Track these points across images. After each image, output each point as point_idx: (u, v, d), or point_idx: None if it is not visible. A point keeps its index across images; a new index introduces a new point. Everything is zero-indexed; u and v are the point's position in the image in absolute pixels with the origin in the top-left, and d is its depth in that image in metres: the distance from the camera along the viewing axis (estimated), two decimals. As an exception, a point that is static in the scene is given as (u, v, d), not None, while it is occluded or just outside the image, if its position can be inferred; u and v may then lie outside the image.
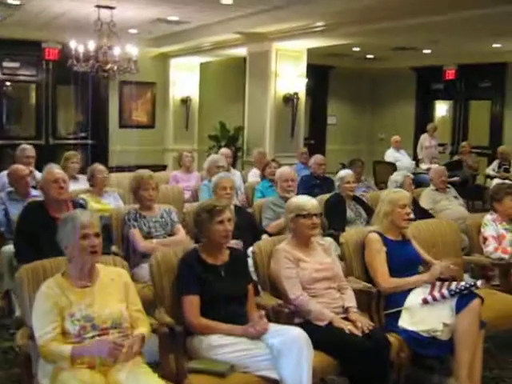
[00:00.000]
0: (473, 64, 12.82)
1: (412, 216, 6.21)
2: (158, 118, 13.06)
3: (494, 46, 11.06)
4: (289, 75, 10.00)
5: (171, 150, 12.48)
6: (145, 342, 3.08)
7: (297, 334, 3.21)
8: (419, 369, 4.21)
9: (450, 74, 13.54)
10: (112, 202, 6.19)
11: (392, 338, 3.75)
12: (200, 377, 3.18)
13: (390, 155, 11.77)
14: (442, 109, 14.96)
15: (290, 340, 3.16)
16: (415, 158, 12.71)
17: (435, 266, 4.15)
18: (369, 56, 13.84)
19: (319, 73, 14.51)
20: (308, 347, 3.18)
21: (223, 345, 3.27)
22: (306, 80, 10.24)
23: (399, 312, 3.91)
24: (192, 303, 3.38)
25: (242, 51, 10.66)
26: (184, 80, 12.88)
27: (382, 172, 10.45)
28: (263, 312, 3.39)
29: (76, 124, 12.53)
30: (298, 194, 6.90)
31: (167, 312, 3.49)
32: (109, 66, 8.89)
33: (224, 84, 13.00)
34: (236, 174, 8.20)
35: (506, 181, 10.57)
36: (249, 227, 5.20)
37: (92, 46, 8.59)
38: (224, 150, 8.32)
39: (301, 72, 10.16)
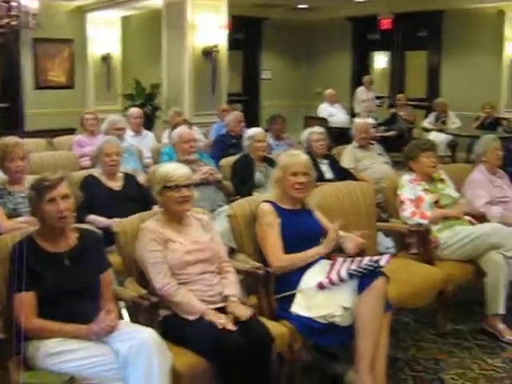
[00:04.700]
0: (409, 12, 12.20)
1: (331, 176, 5.76)
2: (77, 77, 12.11)
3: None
4: (208, 27, 9.20)
5: (93, 112, 11.60)
6: None
7: (146, 337, 2.59)
8: (321, 356, 3.68)
9: (386, 23, 12.88)
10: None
11: (283, 326, 3.19)
12: (32, 394, 2.57)
13: (323, 110, 11.23)
14: (380, 60, 14.40)
15: (138, 345, 2.55)
16: (352, 112, 12.20)
17: (330, 232, 3.55)
18: (301, 6, 13.10)
19: (251, 25, 13.75)
20: (160, 353, 2.58)
21: (62, 352, 2.65)
22: (227, 31, 9.48)
23: (293, 295, 3.33)
24: (23, 302, 2.72)
25: (159, 2, 9.81)
26: (103, 36, 11.93)
27: (314, 128, 9.91)
28: (111, 306, 2.77)
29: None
30: (212, 155, 6.37)
31: (2, 313, 2.85)
32: (5, 21, 7.99)
33: (147, 39, 12.08)
34: (148, 136, 7.55)
35: (442, 133, 10.27)
36: (139, 199, 4.56)
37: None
38: (133, 110, 7.54)
39: (221, 23, 9.36)
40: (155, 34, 10.51)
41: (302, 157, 3.68)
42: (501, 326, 4.13)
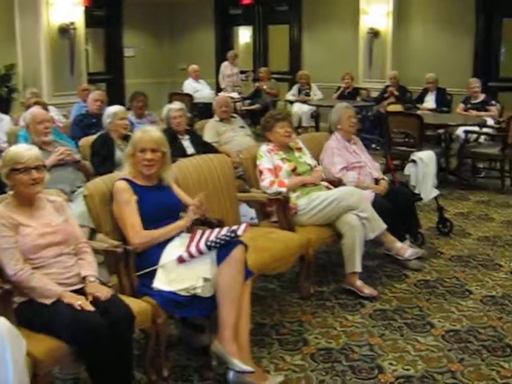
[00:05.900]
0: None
1: (193, 151, 5.76)
2: None
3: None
4: (63, 3, 8.88)
5: None
6: None
7: (-4, 326, 2.51)
8: (187, 329, 3.72)
9: (247, -3, 13.05)
10: None
11: (145, 303, 3.19)
12: None
13: (188, 86, 11.20)
14: (244, 35, 14.54)
15: (-12, 335, 2.47)
16: (218, 87, 12.25)
17: (190, 207, 3.60)
18: (162, -19, 12.94)
19: (111, 1, 13.43)
20: (13, 341, 2.49)
21: None
22: (83, 8, 9.19)
23: (155, 271, 3.33)
24: None
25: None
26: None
27: (179, 105, 9.84)
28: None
29: None
30: (72, 136, 6.19)
31: None
32: None
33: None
34: (4, 120, 7.24)
35: (305, 105, 10.55)
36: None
37: None
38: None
39: (77, -1, 9.10)
40: (7, 11, 10.01)
41: (153, 133, 3.63)
42: (359, 283, 4.35)
